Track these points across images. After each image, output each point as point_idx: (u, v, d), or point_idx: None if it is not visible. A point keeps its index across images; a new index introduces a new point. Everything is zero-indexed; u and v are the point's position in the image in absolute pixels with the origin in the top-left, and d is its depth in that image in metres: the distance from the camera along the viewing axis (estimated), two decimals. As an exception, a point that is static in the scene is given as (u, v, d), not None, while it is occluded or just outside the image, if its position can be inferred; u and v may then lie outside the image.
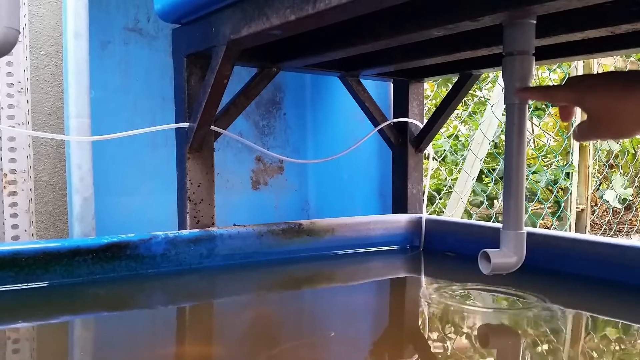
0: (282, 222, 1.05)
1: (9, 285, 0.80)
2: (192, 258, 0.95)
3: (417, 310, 0.83)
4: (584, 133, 0.69)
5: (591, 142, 2.47)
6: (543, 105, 2.40)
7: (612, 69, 2.70)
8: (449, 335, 0.69)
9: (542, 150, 2.52)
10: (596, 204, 2.89)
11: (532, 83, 0.76)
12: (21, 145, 1.13)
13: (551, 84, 2.37)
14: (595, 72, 2.44)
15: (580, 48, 0.90)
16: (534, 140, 2.77)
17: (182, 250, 0.94)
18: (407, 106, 1.27)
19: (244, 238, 1.00)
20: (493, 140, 2.18)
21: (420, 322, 0.76)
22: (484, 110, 2.29)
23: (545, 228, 2.45)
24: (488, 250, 0.75)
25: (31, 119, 1.17)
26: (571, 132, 0.72)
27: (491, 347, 0.67)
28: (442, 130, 2.36)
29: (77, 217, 1.07)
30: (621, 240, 0.91)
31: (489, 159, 2.34)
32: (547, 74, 2.48)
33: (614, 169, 2.93)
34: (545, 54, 0.93)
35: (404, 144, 1.27)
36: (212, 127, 0.98)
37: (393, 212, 1.29)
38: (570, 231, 2.39)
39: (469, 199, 2.23)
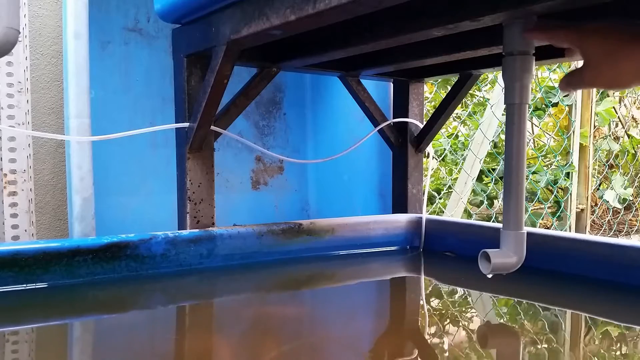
0: (282, 222, 1.05)
1: (9, 286, 0.80)
2: (192, 258, 0.95)
3: (418, 311, 0.83)
4: (575, 81, 0.67)
5: (590, 141, 2.47)
6: (543, 105, 2.40)
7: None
8: (449, 336, 0.69)
9: (542, 150, 2.52)
10: (596, 204, 2.89)
11: (532, 83, 0.75)
12: (21, 145, 1.13)
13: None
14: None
15: (580, 48, 0.90)
16: (534, 140, 2.77)
17: (182, 250, 0.94)
18: (407, 106, 1.26)
19: (244, 238, 1.00)
20: (493, 140, 2.18)
21: (420, 323, 0.76)
22: (484, 110, 2.29)
23: (545, 228, 2.45)
24: (488, 250, 0.75)
25: (31, 119, 1.17)
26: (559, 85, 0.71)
27: (490, 347, 0.67)
28: (442, 130, 2.36)
29: (77, 217, 1.07)
30: (621, 240, 0.90)
31: (489, 159, 2.34)
32: (547, 74, 2.48)
33: (614, 169, 2.93)
34: (545, 54, 0.93)
35: (404, 144, 1.27)
36: (212, 127, 0.98)
37: (393, 212, 1.29)
38: (570, 231, 2.39)
39: (469, 198, 2.23)
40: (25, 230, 1.14)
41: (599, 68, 0.63)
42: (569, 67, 2.33)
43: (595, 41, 0.63)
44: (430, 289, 0.95)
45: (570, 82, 0.68)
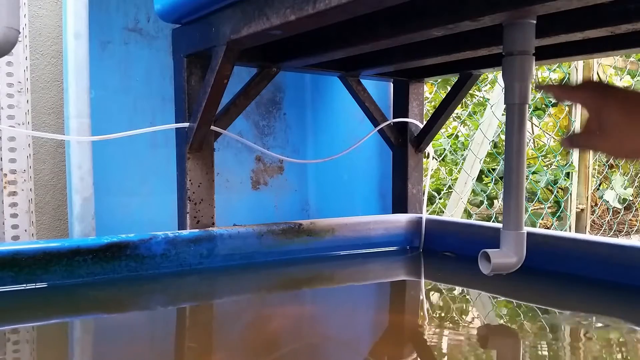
0: (282, 222, 1.05)
1: (8, 286, 0.80)
2: (192, 258, 0.95)
3: (418, 312, 0.83)
4: (583, 142, 0.64)
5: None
6: (543, 105, 2.40)
7: (611, 69, 2.70)
8: (449, 337, 0.69)
9: (542, 150, 2.52)
10: (596, 204, 2.89)
11: (532, 83, 0.75)
12: (21, 145, 1.13)
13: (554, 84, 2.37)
14: (597, 74, 2.44)
15: (580, 48, 0.90)
16: (534, 140, 2.77)
17: (182, 250, 0.94)
18: (407, 106, 1.26)
19: (244, 238, 1.00)
20: (493, 140, 2.18)
21: (420, 324, 0.76)
22: (484, 110, 2.29)
23: (545, 228, 2.45)
24: (488, 251, 0.75)
25: (31, 119, 1.17)
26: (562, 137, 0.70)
27: (491, 348, 0.67)
28: (442, 130, 2.36)
29: (77, 217, 1.07)
30: (621, 240, 0.90)
31: (489, 159, 2.34)
32: (547, 74, 2.48)
33: (614, 169, 2.93)
34: (545, 54, 0.93)
35: (404, 144, 1.27)
36: (212, 127, 0.98)
37: (393, 212, 1.29)
38: (570, 231, 2.39)
39: (469, 199, 2.23)
40: (25, 230, 1.14)
41: (613, 136, 0.59)
42: (569, 67, 2.33)
43: (614, 108, 0.59)
44: (430, 289, 0.95)
45: (575, 142, 0.65)
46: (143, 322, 0.76)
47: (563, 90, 0.68)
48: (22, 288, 0.81)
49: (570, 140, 0.66)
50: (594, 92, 0.62)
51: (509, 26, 0.74)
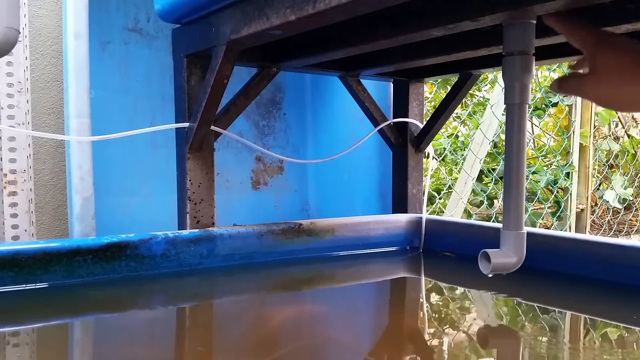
0: (282, 222, 1.05)
1: (8, 286, 0.80)
2: (192, 258, 0.95)
3: (418, 312, 0.83)
4: (573, 86, 0.63)
5: (590, 141, 2.47)
6: (543, 105, 2.40)
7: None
8: (449, 337, 0.69)
9: (542, 150, 2.52)
10: (596, 204, 2.89)
11: (532, 83, 0.75)
12: (21, 145, 1.13)
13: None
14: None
15: (580, 48, 0.90)
16: (534, 140, 2.77)
17: (182, 250, 0.94)
18: (407, 106, 1.26)
19: (244, 238, 1.00)
20: (493, 140, 2.18)
21: (420, 324, 0.76)
22: (484, 110, 2.29)
23: (545, 228, 2.45)
24: (488, 250, 0.75)
25: (31, 119, 1.17)
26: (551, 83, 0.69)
27: (490, 348, 0.67)
28: (442, 130, 2.36)
29: (77, 217, 1.07)
30: (621, 240, 0.90)
31: (489, 159, 2.34)
32: (547, 74, 2.48)
33: (614, 169, 2.93)
34: (545, 54, 0.93)
35: (404, 144, 1.27)
36: (212, 127, 0.98)
37: (393, 212, 1.29)
38: (570, 231, 2.39)
39: (469, 199, 2.23)
40: (25, 230, 1.14)
41: (604, 82, 0.59)
42: (569, 66, 2.33)
43: (611, 53, 0.59)
44: (430, 289, 0.95)
45: (565, 86, 0.65)
46: (143, 322, 0.76)
47: (565, 26, 0.65)
48: (22, 288, 0.81)
49: (560, 84, 0.65)
50: (594, 34, 0.61)
51: (509, 26, 0.73)
